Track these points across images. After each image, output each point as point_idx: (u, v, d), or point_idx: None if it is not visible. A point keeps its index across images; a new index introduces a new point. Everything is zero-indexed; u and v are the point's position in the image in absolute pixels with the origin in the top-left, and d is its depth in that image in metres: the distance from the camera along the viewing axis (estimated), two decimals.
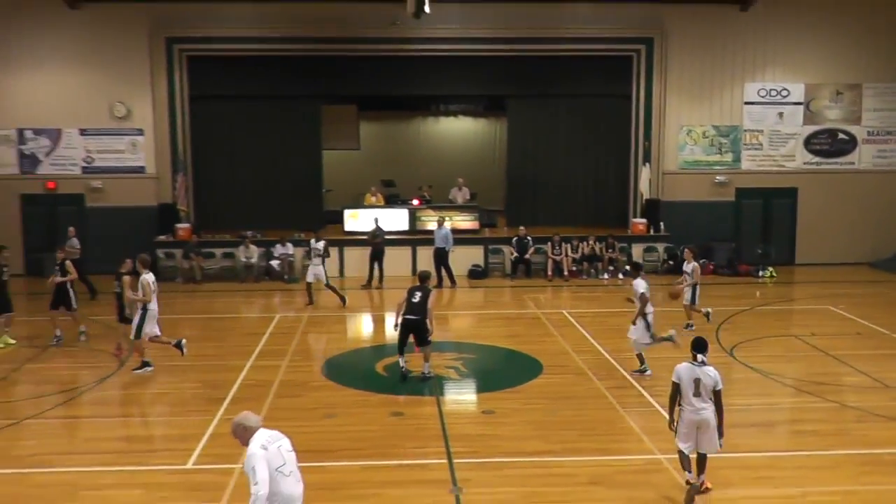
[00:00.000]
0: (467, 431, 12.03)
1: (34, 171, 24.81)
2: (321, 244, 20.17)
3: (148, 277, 14.67)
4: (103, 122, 24.75)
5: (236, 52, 24.71)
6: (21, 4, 24.22)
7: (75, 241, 21.31)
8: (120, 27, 24.40)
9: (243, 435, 7.21)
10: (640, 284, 14.34)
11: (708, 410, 9.45)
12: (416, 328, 13.86)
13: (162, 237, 24.33)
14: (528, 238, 23.82)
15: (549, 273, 23.70)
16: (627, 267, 20.93)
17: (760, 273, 24.22)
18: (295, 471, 7.24)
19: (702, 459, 9.73)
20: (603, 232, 24.53)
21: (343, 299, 20.00)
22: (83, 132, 24.81)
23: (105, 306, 18.38)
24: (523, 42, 24.92)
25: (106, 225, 24.46)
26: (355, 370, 15.10)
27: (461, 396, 13.77)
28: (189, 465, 10.90)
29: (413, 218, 24.81)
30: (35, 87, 24.54)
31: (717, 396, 9.48)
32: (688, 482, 9.77)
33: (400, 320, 13.92)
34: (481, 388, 14.15)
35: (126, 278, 15.17)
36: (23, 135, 24.77)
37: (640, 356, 14.48)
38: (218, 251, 24.16)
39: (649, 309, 14.21)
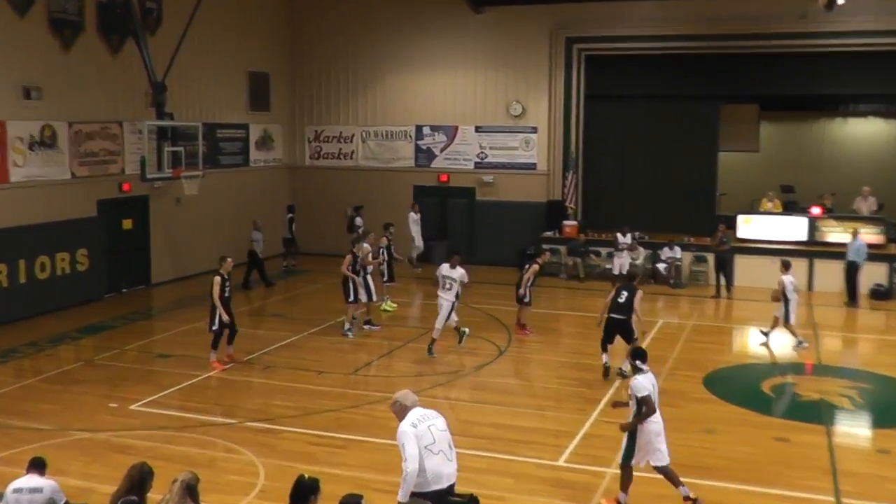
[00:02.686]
0: (858, 469, 10.87)
1: (429, 164, 26.74)
2: (629, 238, 19.79)
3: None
4: (499, 120, 26.01)
5: (634, 51, 24.67)
6: (429, 10, 26.24)
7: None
8: (522, 29, 25.46)
9: (400, 412, 7.41)
10: None
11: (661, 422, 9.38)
12: (621, 328, 14.12)
13: (548, 233, 24.98)
14: None
15: None
16: None
17: None
18: (445, 450, 7.30)
19: (668, 470, 9.39)
20: None
21: None
22: (478, 129, 26.23)
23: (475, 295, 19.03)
24: None
25: (494, 218, 25.67)
26: (739, 386, 14.50)
27: (854, 430, 12.53)
28: (560, 462, 10.95)
29: (812, 228, 23.05)
30: (435, 86, 26.41)
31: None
32: (689, 498, 9.33)
33: (604, 318, 14.29)
34: (877, 424, 12.78)
35: (535, 266, 16.96)
36: (421, 131, 26.79)
37: None
38: (603, 250, 24.27)
39: None
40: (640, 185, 25.92)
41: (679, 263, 23.35)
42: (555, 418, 12.72)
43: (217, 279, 14.72)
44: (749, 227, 23.42)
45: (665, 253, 23.42)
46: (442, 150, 26.66)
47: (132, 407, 12.97)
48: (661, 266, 23.34)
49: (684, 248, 23.47)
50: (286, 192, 28.04)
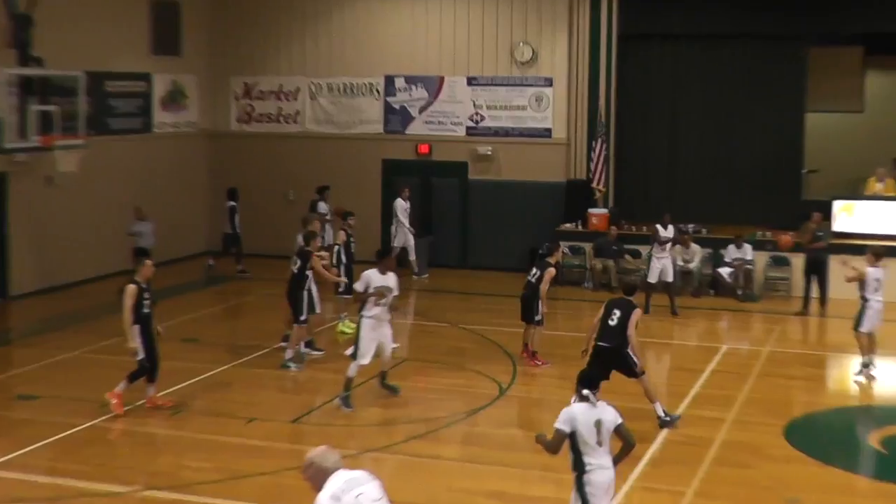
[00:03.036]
0: None
1: (403, 130, 26.70)
2: (671, 231, 20.54)
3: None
4: (501, 69, 25.97)
5: None
6: None
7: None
8: None
9: (316, 477, 7.32)
10: None
11: (613, 466, 9.58)
12: (614, 359, 14.17)
13: (568, 225, 24.91)
14: None
15: None
16: None
17: None
18: None
19: None
20: None
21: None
22: (472, 81, 26.14)
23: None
24: None
25: (493, 205, 25.56)
26: (836, 438, 14.58)
27: None
28: None
29: None
30: (414, 22, 26.41)
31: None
32: None
33: (590, 346, 14.39)
34: None
35: (551, 271, 17.21)
36: (392, 84, 26.73)
37: None
38: (644, 249, 24.16)
39: None
40: (694, 160, 25.95)
41: (750, 267, 23.27)
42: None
43: (131, 289, 14.52)
44: (850, 217, 23.48)
45: (731, 253, 23.33)
46: (421, 111, 26.58)
47: None
48: (724, 271, 23.24)
49: (757, 246, 23.42)
50: (204, 169, 27.92)
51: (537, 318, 17.28)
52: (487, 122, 26.17)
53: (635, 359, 14.32)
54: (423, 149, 26.51)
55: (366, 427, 14.38)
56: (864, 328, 16.84)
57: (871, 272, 16.86)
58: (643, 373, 14.40)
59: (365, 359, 15.09)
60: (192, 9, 27.27)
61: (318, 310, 18.10)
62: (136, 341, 14.45)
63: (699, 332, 20.94)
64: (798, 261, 22.65)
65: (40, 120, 20.74)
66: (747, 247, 23.31)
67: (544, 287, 17.10)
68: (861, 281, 16.87)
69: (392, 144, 26.79)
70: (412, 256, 25.07)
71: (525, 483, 12.55)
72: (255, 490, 12.14)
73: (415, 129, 26.68)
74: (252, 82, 27.93)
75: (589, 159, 25.16)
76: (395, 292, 15.24)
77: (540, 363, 17.34)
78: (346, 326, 19.26)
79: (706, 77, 25.87)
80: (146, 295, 14.60)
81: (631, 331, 14.19)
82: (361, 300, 15.22)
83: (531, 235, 24.37)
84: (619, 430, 9.61)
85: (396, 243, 24.74)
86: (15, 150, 20.75)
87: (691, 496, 11.98)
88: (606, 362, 14.18)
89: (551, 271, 17.31)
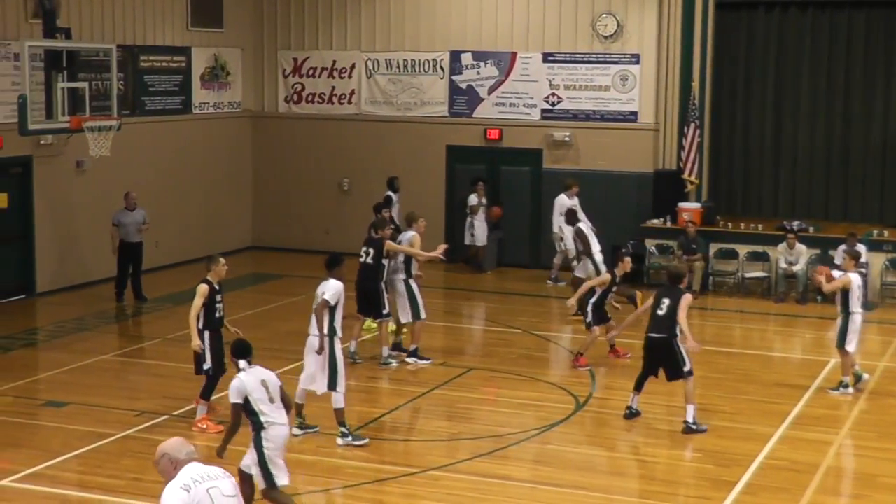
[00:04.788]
0: None
1: (471, 113, 26.84)
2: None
3: None
4: (581, 45, 25.98)
5: None
6: None
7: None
8: None
9: (168, 469, 7.60)
10: None
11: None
12: (664, 353, 14.76)
13: (655, 221, 24.91)
14: None
15: None
16: None
17: None
18: None
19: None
20: None
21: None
22: (548, 58, 26.21)
23: None
24: None
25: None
26: None
27: None
28: None
29: None
30: None
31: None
32: None
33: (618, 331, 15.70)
34: None
35: (605, 277, 17.56)
36: (458, 60, 26.86)
37: None
38: (742, 249, 24.14)
39: None
40: (802, 148, 25.89)
41: (865, 271, 23.06)
42: None
43: (202, 289, 14.73)
44: None
45: (842, 255, 23.15)
46: (491, 91, 26.68)
47: (2, 482, 12.95)
48: (837, 274, 23.07)
49: (873, 246, 23.26)
50: (248, 154, 28.23)
51: (588, 319, 18.00)
52: (565, 105, 26.21)
53: (685, 355, 14.75)
54: (493, 134, 26.61)
55: (427, 442, 14.51)
56: (852, 347, 16.84)
57: (855, 279, 16.91)
58: (691, 374, 14.77)
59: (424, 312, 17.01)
60: None
61: (423, 315, 18.18)
62: (197, 341, 14.64)
63: (804, 344, 20.85)
64: None
65: (69, 99, 20.90)
66: (862, 246, 23.12)
67: (584, 289, 17.91)
68: (845, 290, 16.82)
69: (457, 129, 26.91)
70: (557, 260, 24.82)
71: None
72: None
73: (483, 111, 26.78)
74: (302, 58, 28.18)
75: (680, 147, 25.09)
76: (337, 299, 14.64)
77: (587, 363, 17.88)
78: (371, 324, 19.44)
79: (818, 51, 25.76)
80: (218, 297, 14.87)
81: (682, 317, 14.64)
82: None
83: (613, 232, 24.26)
84: (281, 389, 11.57)
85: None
86: (41, 132, 20.97)
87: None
88: (656, 355, 14.87)
89: (605, 278, 17.91)
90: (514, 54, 26.41)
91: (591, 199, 24.84)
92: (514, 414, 15.85)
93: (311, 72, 28.11)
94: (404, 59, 27.27)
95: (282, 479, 11.28)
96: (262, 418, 11.19)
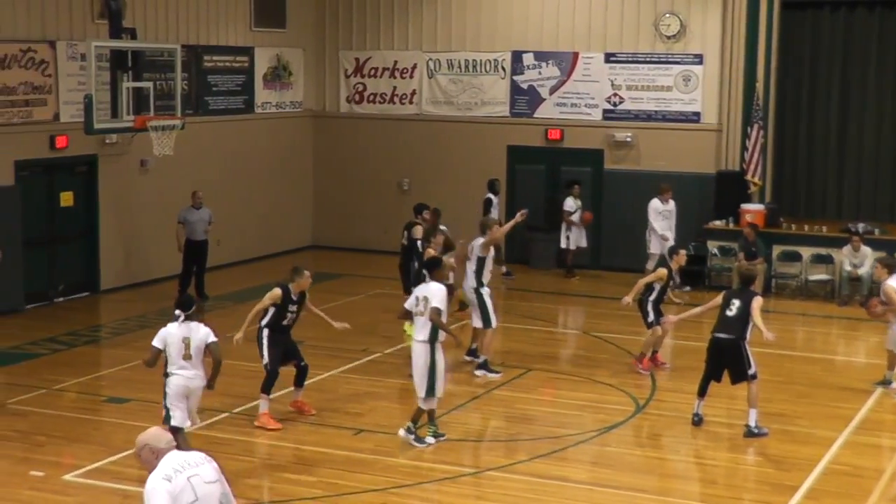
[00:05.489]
0: None
1: (532, 113, 26.85)
2: None
3: None
4: (643, 45, 25.94)
5: None
6: None
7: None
8: None
9: (150, 459, 7.72)
10: None
11: (199, 376, 13.16)
12: (731, 354, 14.76)
13: (718, 223, 24.78)
14: None
15: None
16: None
17: None
18: None
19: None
20: None
21: None
22: (610, 58, 26.17)
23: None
24: None
25: (632, 198, 25.45)
26: None
27: None
28: None
29: None
30: None
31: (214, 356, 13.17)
32: None
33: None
34: None
35: (660, 272, 17.41)
36: (520, 60, 26.87)
37: None
38: (806, 252, 23.98)
39: None
40: (868, 149, 25.73)
41: None
42: None
43: (274, 292, 14.96)
44: None
45: None
46: (552, 92, 26.67)
47: (66, 477, 13.13)
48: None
49: None
50: (309, 154, 28.41)
51: (649, 318, 17.67)
52: (627, 105, 26.17)
53: (751, 358, 14.74)
54: (554, 134, 26.59)
55: (485, 442, 14.56)
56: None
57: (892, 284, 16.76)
58: (756, 377, 14.75)
59: (495, 320, 17.50)
60: None
61: (494, 323, 17.99)
62: (240, 334, 14.81)
63: (868, 347, 20.48)
64: None
65: (133, 98, 21.12)
66: None
67: (640, 284, 17.71)
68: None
69: (519, 129, 26.91)
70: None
71: None
72: None
73: (544, 111, 26.77)
74: (364, 58, 28.30)
75: (743, 148, 24.94)
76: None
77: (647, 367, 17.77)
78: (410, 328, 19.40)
79: (885, 51, 25.60)
80: (292, 308, 15.08)
81: (756, 316, 14.67)
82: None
83: (675, 233, 24.26)
84: (209, 347, 13.05)
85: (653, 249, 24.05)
86: (106, 131, 21.22)
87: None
88: (721, 357, 14.86)
89: (661, 272, 17.64)
90: (576, 54, 26.39)
91: (643, 201, 24.71)
92: (573, 415, 15.86)
93: (372, 72, 28.23)
94: (465, 59, 27.32)
95: (176, 421, 12.90)
96: (168, 367, 13.05)
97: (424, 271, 14.82)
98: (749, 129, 24.86)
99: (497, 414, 15.87)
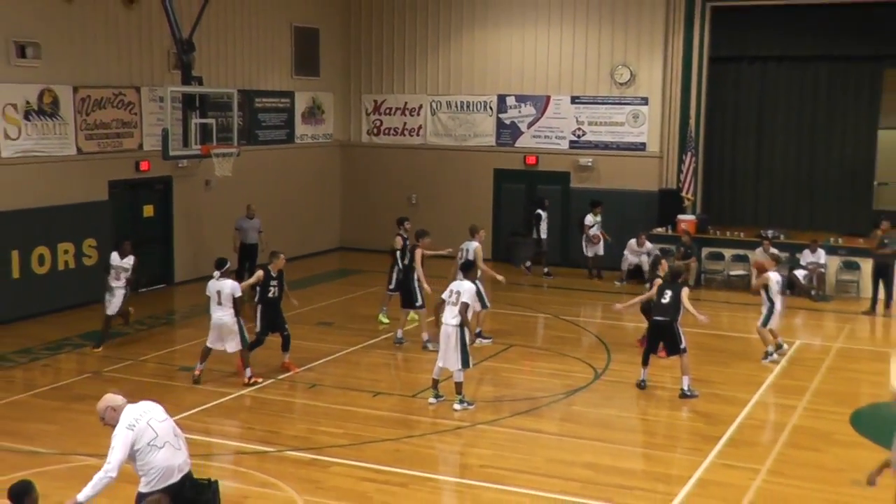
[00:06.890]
0: None
1: (513, 143, 26.86)
2: None
3: None
4: (601, 89, 25.94)
5: (773, 1, 24.49)
6: None
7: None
8: None
9: (113, 416, 8.03)
10: None
11: (227, 315, 14.88)
12: (666, 333, 15.07)
13: (659, 229, 24.81)
14: None
15: None
16: None
17: None
18: (171, 440, 8.15)
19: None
20: None
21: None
22: (575, 100, 26.19)
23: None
24: None
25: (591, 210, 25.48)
26: None
27: None
28: None
29: None
30: (523, 46, 26.47)
31: (236, 303, 14.91)
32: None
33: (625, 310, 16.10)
34: None
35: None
36: (504, 102, 26.90)
37: None
38: (728, 252, 24.02)
39: None
40: (776, 172, 25.78)
41: (823, 271, 22.94)
42: (663, 459, 12.69)
43: (258, 273, 16.00)
44: None
45: (806, 257, 23.03)
46: (530, 126, 26.72)
47: None
48: (800, 274, 22.94)
49: (830, 251, 23.04)
50: (338, 175, 28.45)
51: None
52: (588, 137, 26.17)
53: (682, 336, 15.03)
54: (531, 160, 26.63)
55: (477, 403, 14.58)
56: (773, 325, 17.41)
57: (773, 276, 17.29)
58: (685, 350, 14.99)
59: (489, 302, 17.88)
60: (329, 35, 27.73)
61: (488, 304, 18.03)
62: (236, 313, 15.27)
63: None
64: (867, 265, 22.28)
65: (200, 131, 21.10)
66: (821, 251, 22.97)
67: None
68: (766, 285, 17.25)
69: (503, 156, 26.93)
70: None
71: (617, 457, 12.62)
72: (379, 454, 12.44)
73: (523, 142, 26.78)
74: (380, 100, 28.30)
75: (679, 171, 25.00)
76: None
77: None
78: (385, 316, 19.37)
79: (789, 96, 25.67)
80: (273, 283, 15.81)
81: (686, 303, 14.99)
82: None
83: (626, 238, 24.29)
84: (234, 298, 14.82)
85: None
86: (179, 157, 21.24)
87: (765, 474, 11.98)
88: (659, 334, 15.21)
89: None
90: (548, 97, 26.40)
91: (610, 212, 24.78)
92: (546, 382, 15.92)
93: (387, 110, 28.23)
94: (461, 101, 27.33)
95: (209, 343, 15.20)
96: (209, 312, 15.08)
97: (460, 271, 14.80)
98: (684, 155, 24.90)
99: (486, 380, 15.90)
